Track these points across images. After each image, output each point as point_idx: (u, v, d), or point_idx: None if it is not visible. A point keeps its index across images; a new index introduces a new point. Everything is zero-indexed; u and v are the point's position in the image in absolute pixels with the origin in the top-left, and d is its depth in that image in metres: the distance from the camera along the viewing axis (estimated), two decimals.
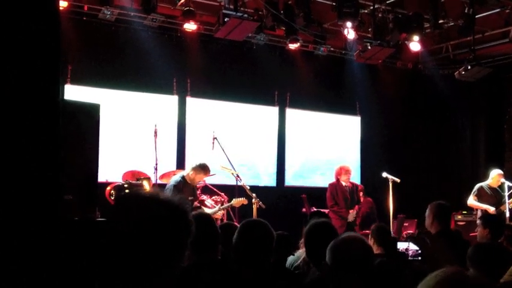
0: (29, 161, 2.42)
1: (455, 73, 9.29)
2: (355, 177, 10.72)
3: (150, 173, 7.40)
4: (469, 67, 8.93)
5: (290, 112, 10.37)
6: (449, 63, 10.73)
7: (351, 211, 8.03)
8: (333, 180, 8.28)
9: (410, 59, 10.97)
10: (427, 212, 4.70)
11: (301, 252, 4.37)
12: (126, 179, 7.13)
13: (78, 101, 5.68)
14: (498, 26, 9.28)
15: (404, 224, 9.16)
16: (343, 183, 8.15)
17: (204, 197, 7.59)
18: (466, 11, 8.22)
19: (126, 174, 7.34)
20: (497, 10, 8.48)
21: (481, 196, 8.12)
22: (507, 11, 8.36)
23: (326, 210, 7.91)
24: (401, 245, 4.87)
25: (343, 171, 8.18)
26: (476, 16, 8.32)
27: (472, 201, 8.19)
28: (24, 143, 2.43)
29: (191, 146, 9.27)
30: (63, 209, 3.13)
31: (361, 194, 9.30)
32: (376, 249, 4.54)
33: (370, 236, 4.83)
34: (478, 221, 5.12)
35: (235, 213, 7.79)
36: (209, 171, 6.94)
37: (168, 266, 1.48)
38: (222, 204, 7.49)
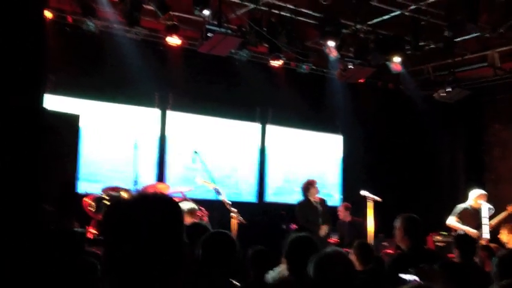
0: (6, 170, 2.39)
1: (434, 94, 9.39)
2: (336, 196, 10.77)
3: (130, 186, 7.33)
4: (449, 89, 9.05)
5: (271, 129, 10.39)
6: (429, 85, 10.87)
7: (322, 226, 7.97)
8: (302, 198, 8.14)
9: (391, 79, 11.09)
10: (397, 224, 4.46)
11: (280, 268, 4.35)
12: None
13: (58, 111, 5.62)
14: (477, 50, 9.46)
15: (383, 243, 9.17)
16: (312, 199, 8.07)
17: None
18: (445, 34, 8.37)
19: (105, 190, 7.28)
20: (477, 35, 8.64)
21: (464, 218, 7.91)
22: (486, 35, 8.51)
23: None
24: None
25: (310, 185, 8.08)
26: (456, 40, 8.47)
27: (453, 222, 7.94)
28: (2, 152, 2.40)
29: (172, 160, 9.23)
30: (42, 219, 3.08)
31: (348, 212, 9.22)
32: (358, 266, 4.54)
33: (352, 252, 4.82)
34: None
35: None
36: None
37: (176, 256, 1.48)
38: (201, 219, 7.41)
